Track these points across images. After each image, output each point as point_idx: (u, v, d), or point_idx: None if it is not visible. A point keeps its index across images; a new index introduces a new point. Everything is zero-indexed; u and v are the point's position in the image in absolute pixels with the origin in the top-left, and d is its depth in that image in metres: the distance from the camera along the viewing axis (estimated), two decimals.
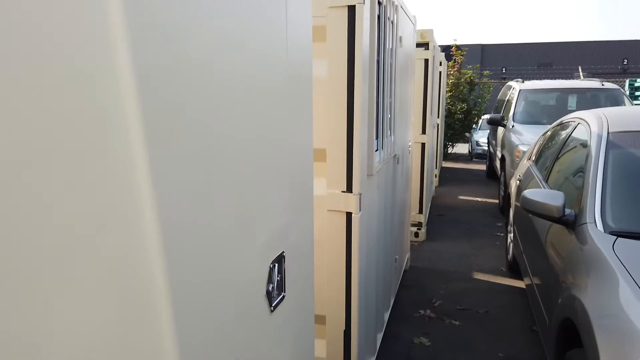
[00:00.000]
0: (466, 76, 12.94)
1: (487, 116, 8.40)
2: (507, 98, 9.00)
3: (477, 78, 13.25)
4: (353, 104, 2.42)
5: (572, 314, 2.12)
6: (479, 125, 13.78)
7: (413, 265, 5.38)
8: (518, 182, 4.78)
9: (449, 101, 13.06)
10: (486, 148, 12.02)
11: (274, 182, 1.20)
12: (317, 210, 2.55)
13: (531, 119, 7.57)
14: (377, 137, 2.95)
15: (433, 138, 7.36)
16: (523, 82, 8.81)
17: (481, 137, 13.11)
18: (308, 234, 1.52)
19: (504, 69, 38.36)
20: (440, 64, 9.23)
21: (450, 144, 13.56)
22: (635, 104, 14.21)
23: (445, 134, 12.99)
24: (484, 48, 40.50)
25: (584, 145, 3.22)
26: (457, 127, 13.09)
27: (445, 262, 5.49)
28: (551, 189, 3.55)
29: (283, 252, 1.27)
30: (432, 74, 6.17)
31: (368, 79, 2.51)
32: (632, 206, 2.57)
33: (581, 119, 3.72)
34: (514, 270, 5.05)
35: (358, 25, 2.30)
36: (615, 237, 2.36)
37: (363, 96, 2.42)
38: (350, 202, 2.48)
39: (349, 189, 2.50)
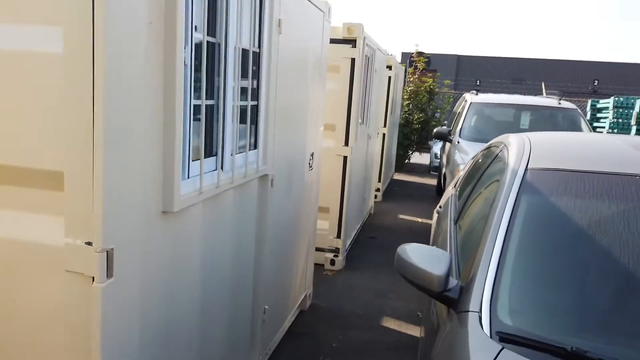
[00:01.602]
0: (426, 84, 12.17)
1: (436, 129, 7.55)
2: (458, 110, 8.22)
3: (437, 87, 12.49)
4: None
5: None
6: None
7: (315, 303, 4.47)
8: (436, 214, 3.92)
9: (406, 109, 12.28)
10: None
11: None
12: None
13: (479, 136, 6.76)
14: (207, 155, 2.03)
15: (367, 150, 6.48)
16: (477, 94, 8.04)
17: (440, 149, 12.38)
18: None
19: (478, 82, 38.07)
20: (391, 68, 8.42)
21: (409, 153, 12.77)
22: (597, 127, 13.70)
23: (401, 144, 12.20)
24: (459, 59, 40.17)
25: (497, 182, 2.36)
26: (414, 137, 12.31)
27: (355, 301, 4.60)
28: (456, 236, 2.67)
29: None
30: (362, 76, 5.28)
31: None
32: (541, 292, 1.71)
33: (505, 144, 2.86)
34: None
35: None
36: (501, 346, 1.48)
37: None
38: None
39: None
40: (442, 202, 4.11)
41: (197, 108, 2.08)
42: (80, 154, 1.51)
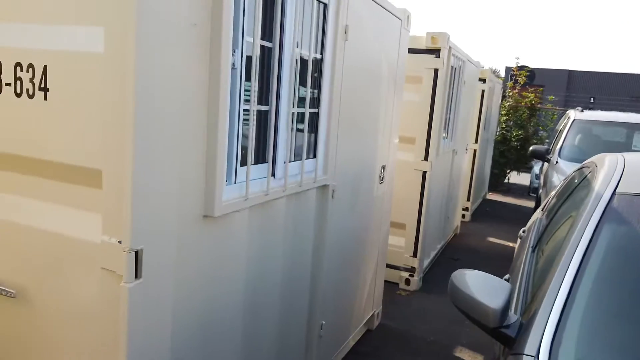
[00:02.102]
0: (527, 99, 11.37)
1: (532, 147, 6.97)
2: (559, 128, 7.54)
3: (539, 102, 11.62)
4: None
5: None
6: None
7: (384, 323, 4.25)
8: (519, 239, 3.55)
9: (504, 125, 11.56)
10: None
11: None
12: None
13: (581, 156, 6.09)
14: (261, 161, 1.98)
15: (452, 166, 6.14)
16: (582, 111, 7.31)
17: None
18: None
19: (592, 99, 35.02)
20: (485, 81, 7.98)
21: (507, 172, 11.98)
22: None
23: (497, 162, 11.49)
24: (571, 74, 37.28)
25: (580, 207, 2.04)
26: (511, 155, 11.53)
27: (428, 325, 4.31)
28: (531, 265, 2.36)
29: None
30: (446, 87, 5.02)
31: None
32: (614, 341, 1.41)
33: (596, 164, 2.50)
34: None
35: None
36: None
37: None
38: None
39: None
40: (527, 225, 3.72)
41: (254, 114, 2.04)
42: (117, 153, 1.52)
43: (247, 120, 2.05)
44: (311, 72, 2.46)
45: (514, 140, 11.34)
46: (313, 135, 2.63)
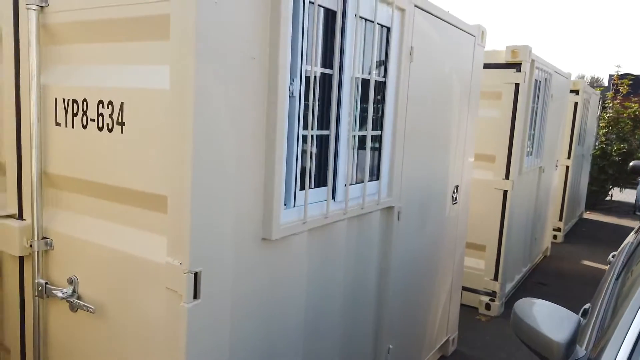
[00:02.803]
0: (629, 110, 10.44)
1: (632, 163, 6.37)
2: None
3: None
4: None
5: None
6: None
7: (460, 350, 4.08)
8: (610, 260, 3.25)
9: (603, 139, 10.69)
10: None
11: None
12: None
13: None
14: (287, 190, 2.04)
15: (540, 184, 5.78)
16: None
17: None
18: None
19: None
20: (578, 93, 7.48)
21: (609, 190, 11.04)
22: None
23: (596, 179, 10.63)
24: None
25: None
26: (612, 171, 10.61)
27: (507, 354, 4.07)
28: (612, 294, 2.17)
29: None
30: (529, 102, 4.77)
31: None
32: None
33: None
34: None
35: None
36: None
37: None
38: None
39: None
40: (620, 248, 3.40)
41: (315, 138, 2.10)
42: (180, 180, 1.64)
43: (313, 146, 2.11)
44: (374, 95, 2.49)
45: (614, 154, 10.44)
46: (377, 157, 2.63)
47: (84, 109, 1.92)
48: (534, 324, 1.59)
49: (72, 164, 2.00)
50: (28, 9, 1.96)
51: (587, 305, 2.49)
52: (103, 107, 1.86)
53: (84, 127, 1.93)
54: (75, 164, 1.98)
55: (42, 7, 1.98)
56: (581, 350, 1.52)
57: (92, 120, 1.90)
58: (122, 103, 1.81)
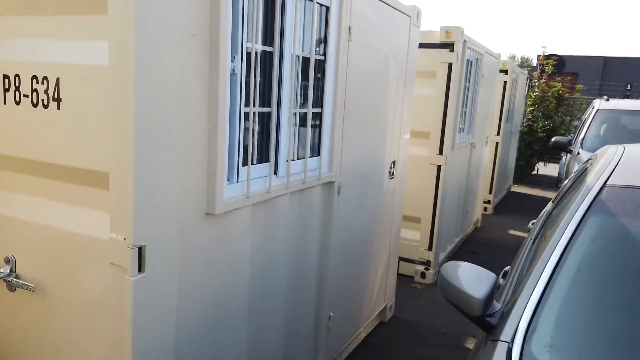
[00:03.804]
0: (554, 89, 11.14)
1: (554, 139, 6.89)
2: (584, 118, 7.40)
3: (568, 92, 11.36)
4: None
5: None
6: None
7: (397, 316, 4.34)
8: (530, 227, 3.57)
9: (530, 117, 11.37)
10: None
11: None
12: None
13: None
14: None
15: (471, 159, 6.13)
16: (608, 100, 7.16)
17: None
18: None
19: (628, 86, 33.74)
20: (507, 73, 7.90)
21: (536, 164, 11.80)
22: None
23: (523, 154, 11.33)
24: (607, 61, 35.98)
25: (571, 201, 2.08)
26: (537, 147, 11.34)
27: (441, 318, 4.37)
28: (528, 256, 2.41)
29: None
30: (462, 81, 5.02)
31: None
32: (589, 330, 1.47)
33: (597, 156, 2.52)
34: None
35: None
36: None
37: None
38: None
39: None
40: (538, 217, 3.73)
41: (257, 115, 2.15)
42: (121, 156, 1.65)
43: (255, 122, 2.16)
44: (314, 73, 2.56)
45: (540, 131, 11.15)
46: (317, 134, 2.72)
47: (17, 85, 1.86)
48: (457, 283, 1.76)
49: (5, 142, 1.94)
50: None
51: (507, 268, 2.75)
52: (37, 82, 1.82)
53: (17, 103, 1.87)
54: (8, 142, 1.93)
55: None
56: (498, 305, 1.71)
57: (26, 96, 1.85)
58: (57, 79, 1.78)
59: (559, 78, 11.40)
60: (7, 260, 2.00)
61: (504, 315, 1.63)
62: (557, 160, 12.56)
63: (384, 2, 3.25)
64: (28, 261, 1.97)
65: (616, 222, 1.73)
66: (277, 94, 2.30)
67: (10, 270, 2.00)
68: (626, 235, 1.68)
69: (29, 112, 1.85)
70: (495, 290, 1.76)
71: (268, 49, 2.23)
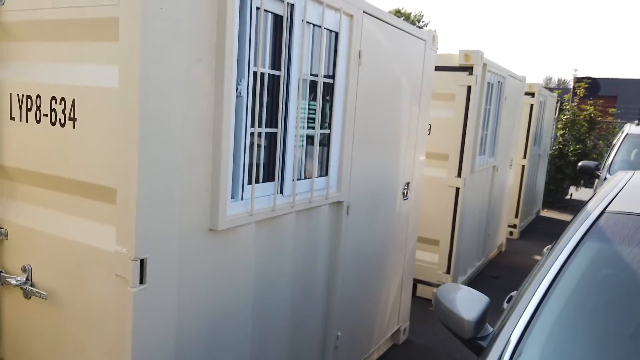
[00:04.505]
0: (585, 112, 10.92)
1: (581, 163, 6.74)
2: (614, 142, 7.22)
3: (599, 116, 11.11)
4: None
5: None
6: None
7: (411, 339, 4.29)
8: (544, 252, 3.50)
9: (560, 140, 11.14)
10: None
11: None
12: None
13: None
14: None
15: (493, 182, 6.06)
16: (639, 124, 6.98)
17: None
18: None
19: None
20: (533, 95, 7.82)
21: (568, 189, 11.51)
22: None
23: (554, 178, 11.08)
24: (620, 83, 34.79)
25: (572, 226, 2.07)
26: (568, 171, 11.07)
27: (456, 343, 4.27)
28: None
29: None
30: (481, 104, 5.02)
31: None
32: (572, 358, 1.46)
33: (608, 180, 2.49)
34: None
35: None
36: None
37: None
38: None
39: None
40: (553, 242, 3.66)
41: (263, 136, 2.23)
42: (127, 173, 1.75)
43: (261, 142, 2.24)
44: (323, 95, 2.64)
45: (571, 155, 10.90)
46: (325, 154, 2.79)
47: (38, 105, 2.01)
48: (451, 305, 1.77)
49: (26, 157, 2.08)
50: None
51: (513, 293, 2.71)
52: (56, 103, 1.96)
53: (38, 121, 2.02)
54: (29, 157, 2.07)
55: None
56: (490, 328, 1.71)
57: (46, 115, 1.99)
58: (74, 99, 1.91)
59: (591, 101, 11.17)
60: (24, 269, 2.12)
61: (493, 338, 1.63)
62: (591, 185, 12.24)
63: (397, 27, 3.32)
64: (42, 270, 2.09)
65: (612, 248, 1.71)
66: (283, 116, 2.38)
67: (27, 279, 2.12)
68: (621, 261, 1.66)
69: (48, 130, 1.99)
70: (487, 313, 1.76)
71: (275, 72, 2.32)
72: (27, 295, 2.13)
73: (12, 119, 2.10)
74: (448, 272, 5.05)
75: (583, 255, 1.71)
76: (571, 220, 2.64)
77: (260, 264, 2.39)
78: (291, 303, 2.68)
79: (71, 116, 1.92)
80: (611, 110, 11.73)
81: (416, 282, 4.99)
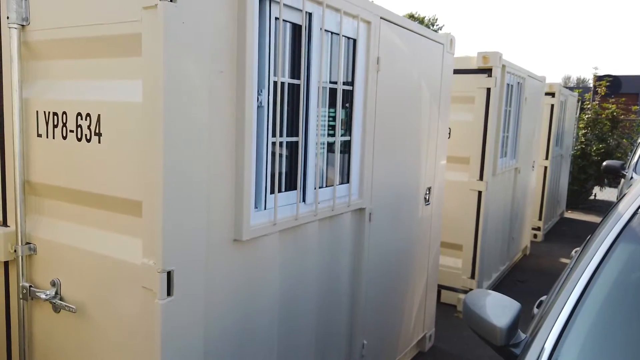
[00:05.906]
0: (607, 111, 10.71)
1: (605, 162, 6.61)
2: (639, 141, 7.06)
3: (622, 114, 10.89)
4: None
5: None
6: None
7: (437, 346, 4.23)
8: (572, 255, 3.42)
9: (582, 140, 10.94)
10: None
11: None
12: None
13: None
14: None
15: (516, 184, 5.96)
16: None
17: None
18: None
19: None
20: (554, 95, 7.70)
21: (592, 189, 11.28)
22: None
23: (577, 178, 10.88)
24: None
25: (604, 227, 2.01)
26: (592, 171, 10.86)
27: (484, 349, 4.22)
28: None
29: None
30: (501, 105, 4.95)
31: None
32: None
33: (638, 179, 2.42)
34: None
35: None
36: None
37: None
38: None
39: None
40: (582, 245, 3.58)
41: (285, 145, 2.24)
42: (151, 186, 1.77)
43: (280, 152, 2.25)
44: (342, 102, 2.63)
45: (594, 154, 10.69)
46: (346, 161, 2.78)
47: (64, 121, 2.04)
48: (481, 312, 1.73)
49: (53, 173, 2.12)
50: (10, 27, 2.08)
51: (543, 297, 2.65)
52: (81, 119, 1.99)
53: (64, 137, 2.05)
54: (55, 173, 2.11)
55: (23, 25, 2.10)
56: (522, 335, 1.67)
57: (72, 131, 2.02)
58: (99, 115, 1.94)
59: (613, 99, 10.95)
60: (53, 283, 2.15)
61: (527, 345, 1.59)
62: (616, 184, 11.96)
63: (414, 32, 3.30)
64: (71, 284, 2.11)
65: None
66: (304, 124, 2.38)
67: (56, 293, 2.14)
68: None
69: (74, 145, 2.02)
70: (519, 320, 1.72)
71: (295, 81, 2.33)
72: (57, 309, 2.15)
73: (39, 135, 2.14)
74: (472, 277, 4.98)
75: (617, 258, 1.66)
76: (601, 221, 2.57)
77: (285, 273, 2.38)
78: (317, 312, 2.66)
79: (97, 131, 1.95)
80: (634, 107, 11.48)
81: (440, 287, 4.93)
